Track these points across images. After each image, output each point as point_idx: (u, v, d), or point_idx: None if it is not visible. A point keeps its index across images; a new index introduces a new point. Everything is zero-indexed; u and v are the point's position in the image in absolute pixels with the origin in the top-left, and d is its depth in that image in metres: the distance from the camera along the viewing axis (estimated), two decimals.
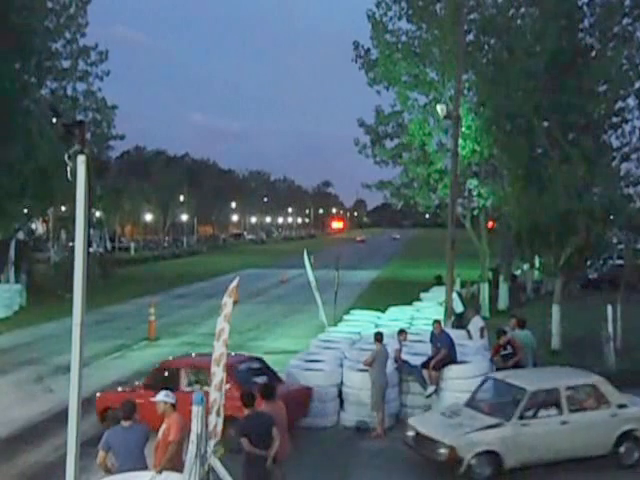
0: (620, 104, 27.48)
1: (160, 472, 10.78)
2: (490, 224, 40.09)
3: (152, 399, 12.09)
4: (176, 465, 10.73)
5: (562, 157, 25.75)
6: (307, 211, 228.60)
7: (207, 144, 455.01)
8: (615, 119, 27.78)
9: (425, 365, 18.66)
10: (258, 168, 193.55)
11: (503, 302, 39.09)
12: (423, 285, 41.25)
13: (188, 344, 28.81)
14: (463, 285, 42.03)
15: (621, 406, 15.27)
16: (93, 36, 41.28)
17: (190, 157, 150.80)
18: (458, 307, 28.33)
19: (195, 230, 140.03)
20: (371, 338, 19.02)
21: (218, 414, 10.96)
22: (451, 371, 18.45)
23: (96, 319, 33.70)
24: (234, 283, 11.36)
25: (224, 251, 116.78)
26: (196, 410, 10.06)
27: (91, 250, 62.45)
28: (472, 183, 35.20)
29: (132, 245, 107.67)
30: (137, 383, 18.53)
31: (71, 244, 49.73)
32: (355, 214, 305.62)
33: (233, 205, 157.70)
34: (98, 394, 18.14)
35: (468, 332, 23.63)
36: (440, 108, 28.96)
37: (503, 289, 39.71)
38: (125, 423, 11.17)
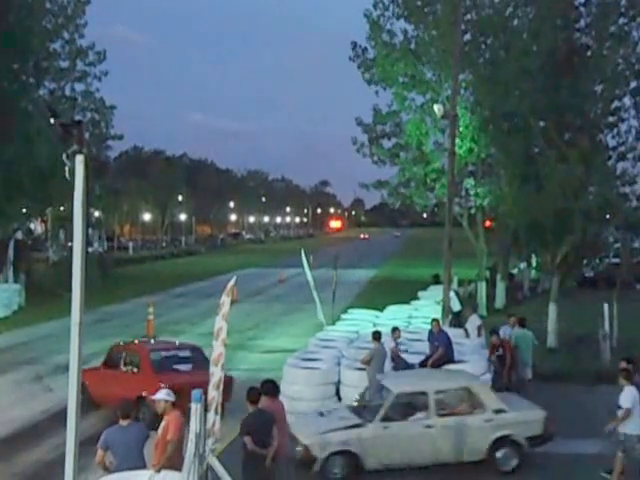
0: (616, 103, 27.67)
1: (159, 471, 10.82)
2: (487, 223, 40.18)
3: (152, 397, 12.18)
4: (175, 464, 10.71)
5: (558, 156, 25.84)
6: (305, 210, 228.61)
7: (205, 144, 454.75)
8: (611, 118, 27.95)
9: (423, 364, 18.74)
10: (256, 168, 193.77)
11: (500, 301, 39.18)
12: (421, 284, 41.29)
13: None
14: (460, 284, 42.12)
15: (498, 411, 14.82)
16: (92, 36, 41.42)
17: (188, 157, 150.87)
18: (455, 306, 28.40)
19: (193, 230, 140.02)
20: (369, 337, 19.10)
21: (216, 412, 10.98)
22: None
23: (95, 318, 33.73)
24: (232, 282, 11.39)
25: (222, 251, 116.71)
26: (194, 408, 10.08)
27: (90, 250, 62.49)
28: (469, 182, 35.27)
29: (130, 245, 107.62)
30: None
31: (70, 244, 49.77)
32: (353, 213, 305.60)
33: (231, 205, 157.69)
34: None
35: (465, 331, 23.71)
36: (437, 108, 29.03)
37: (500, 288, 39.80)
38: (123, 422, 11.23)
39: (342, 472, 14.11)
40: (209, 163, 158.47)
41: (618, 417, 13.65)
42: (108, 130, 43.51)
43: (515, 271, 48.38)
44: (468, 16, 30.99)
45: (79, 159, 8.24)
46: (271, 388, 12.60)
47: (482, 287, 38.11)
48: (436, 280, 37.20)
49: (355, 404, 16.60)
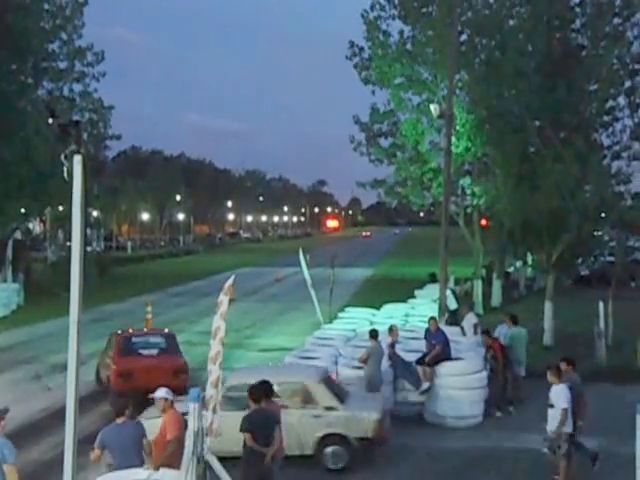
0: (611, 103, 27.74)
1: (157, 469, 10.91)
2: (483, 222, 40.29)
3: (151, 396, 12.31)
4: (175, 462, 10.72)
5: (554, 155, 25.96)
6: (303, 210, 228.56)
7: (203, 144, 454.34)
8: (606, 118, 28.04)
9: (420, 362, 18.85)
10: (254, 167, 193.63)
11: (496, 299, 39.29)
12: (417, 283, 41.34)
13: (184, 342, 28.93)
14: (457, 282, 42.20)
15: (328, 408, 14.91)
16: (91, 37, 41.73)
17: (186, 157, 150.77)
18: (452, 304, 28.46)
19: (192, 229, 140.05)
20: (366, 335, 19.23)
21: (214, 411, 11.04)
22: (445, 368, 18.54)
23: (93, 317, 33.76)
24: (230, 281, 11.43)
25: (220, 250, 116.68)
26: (192, 407, 10.14)
27: (88, 249, 62.54)
28: (465, 181, 35.36)
29: (129, 244, 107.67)
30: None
31: (68, 243, 49.83)
32: (350, 213, 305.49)
33: (229, 204, 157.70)
34: None
35: (462, 329, 23.81)
36: (434, 107, 29.14)
37: (496, 286, 39.91)
38: (119, 420, 11.28)
39: None
40: (207, 163, 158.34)
41: (560, 419, 13.64)
42: (106, 130, 43.55)
43: (511, 269, 48.39)
44: (463, 18, 31.00)
45: (77, 159, 8.29)
46: (266, 389, 12.67)
47: (478, 285, 38.21)
48: (433, 279, 37.24)
49: None
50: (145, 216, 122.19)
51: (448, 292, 28.31)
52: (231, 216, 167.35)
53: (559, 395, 13.78)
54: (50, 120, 8.74)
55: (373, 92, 35.77)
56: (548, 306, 27.58)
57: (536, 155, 27.08)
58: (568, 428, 13.76)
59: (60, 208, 60.37)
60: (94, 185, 53.85)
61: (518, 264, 48.07)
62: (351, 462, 14.75)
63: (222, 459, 10.58)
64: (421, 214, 74.06)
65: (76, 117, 38.49)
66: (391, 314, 27.70)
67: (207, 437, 10.59)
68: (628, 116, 27.62)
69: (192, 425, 10.07)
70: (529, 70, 26.70)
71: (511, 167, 27.93)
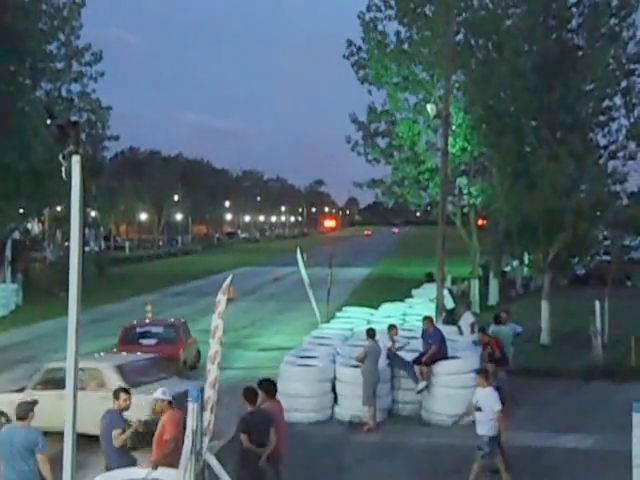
0: (607, 103, 27.82)
1: (156, 468, 11.01)
2: (480, 221, 40.38)
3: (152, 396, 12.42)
4: (173, 461, 10.83)
5: (550, 155, 26.03)
6: (300, 210, 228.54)
7: (201, 144, 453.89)
8: (602, 117, 28.12)
9: (417, 361, 18.95)
10: (251, 167, 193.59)
11: (493, 298, 39.38)
12: (414, 282, 41.40)
13: None
14: (454, 282, 42.34)
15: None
16: (89, 38, 41.37)
17: (184, 157, 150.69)
18: (449, 303, 28.56)
19: (190, 229, 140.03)
20: (363, 334, 19.27)
21: (212, 411, 11.09)
22: (442, 367, 18.62)
23: (92, 318, 33.86)
24: (228, 281, 11.50)
25: (218, 250, 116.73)
26: (191, 407, 10.20)
27: (87, 249, 62.64)
28: (462, 181, 35.41)
29: (127, 244, 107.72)
30: None
31: (66, 244, 49.93)
32: (347, 213, 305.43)
33: (227, 204, 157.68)
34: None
35: (459, 328, 23.89)
36: (430, 107, 29.24)
37: (493, 285, 40.01)
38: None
39: None
40: (205, 163, 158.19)
41: (499, 421, 13.63)
42: (104, 131, 43.64)
43: (508, 269, 48.54)
44: (459, 18, 31.08)
45: (75, 159, 8.32)
46: (269, 388, 12.70)
47: (475, 285, 38.28)
48: (430, 278, 37.34)
49: None
50: (143, 216, 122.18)
51: (445, 291, 28.43)
52: (229, 216, 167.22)
53: (490, 398, 13.71)
54: (48, 121, 8.78)
55: (370, 92, 35.85)
56: (545, 305, 27.69)
57: (532, 155, 27.14)
58: (491, 431, 13.67)
59: (58, 208, 60.53)
60: (92, 185, 53.80)
61: (515, 263, 48.21)
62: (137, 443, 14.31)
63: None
64: (418, 214, 74.02)
65: (74, 118, 38.57)
66: (389, 313, 27.78)
67: (205, 436, 10.66)
68: (624, 116, 27.69)
69: (191, 425, 10.13)
70: (526, 70, 26.79)
71: (507, 167, 27.97)
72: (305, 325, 30.12)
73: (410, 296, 35.01)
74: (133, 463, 11.62)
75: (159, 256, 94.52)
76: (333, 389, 18.95)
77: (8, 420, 15.47)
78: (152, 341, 23.23)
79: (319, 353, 20.15)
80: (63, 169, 8.33)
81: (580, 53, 27.64)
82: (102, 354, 21.10)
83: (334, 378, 18.96)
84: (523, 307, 33.77)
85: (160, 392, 12.05)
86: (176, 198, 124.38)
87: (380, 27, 34.47)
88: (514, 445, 16.23)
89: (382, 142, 36.88)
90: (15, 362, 26.33)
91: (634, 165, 27.73)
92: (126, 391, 12.24)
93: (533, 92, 26.45)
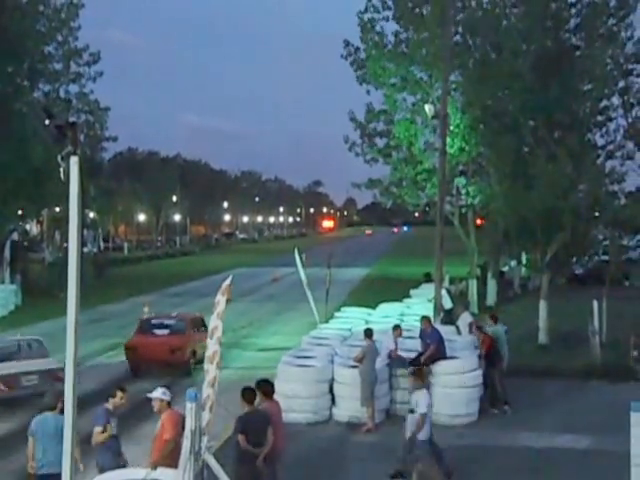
0: (605, 102, 27.87)
1: (155, 468, 11.00)
2: (478, 221, 40.40)
3: (149, 395, 12.42)
4: (172, 461, 10.79)
5: (548, 155, 26.08)
6: (298, 210, 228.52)
7: (199, 145, 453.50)
8: (600, 117, 28.16)
9: (415, 361, 18.92)
10: (250, 168, 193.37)
11: (491, 298, 39.37)
12: (413, 282, 41.41)
13: None
14: (452, 282, 42.33)
15: None
16: (87, 39, 41.53)
17: (182, 158, 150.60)
18: (447, 303, 28.59)
19: (188, 230, 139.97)
20: (361, 335, 19.27)
21: (211, 411, 11.08)
22: (440, 366, 18.65)
23: (90, 318, 33.81)
24: (227, 282, 11.45)
25: (217, 250, 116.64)
26: (190, 407, 10.19)
27: (85, 250, 62.63)
28: (460, 181, 35.44)
29: (125, 245, 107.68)
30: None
31: (65, 245, 49.91)
32: (345, 213, 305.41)
33: (225, 205, 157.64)
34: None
35: (457, 328, 23.92)
36: (428, 108, 29.23)
37: (491, 285, 40.00)
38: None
39: None
40: (203, 164, 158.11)
41: (418, 424, 13.50)
42: (103, 132, 43.68)
43: (506, 269, 48.53)
44: (457, 18, 31.10)
45: (74, 160, 8.31)
46: (266, 388, 12.71)
47: (473, 285, 38.30)
48: (428, 278, 37.38)
49: None
50: (142, 217, 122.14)
51: (443, 291, 28.45)
52: (227, 217, 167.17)
53: (420, 400, 13.65)
54: (46, 122, 8.76)
55: (368, 92, 35.87)
56: (543, 305, 27.71)
57: (530, 155, 27.18)
58: (424, 435, 13.58)
59: (57, 209, 60.46)
60: (91, 186, 53.76)
61: (513, 263, 48.20)
62: None
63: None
64: (416, 214, 73.90)
65: (72, 118, 38.59)
66: (387, 313, 27.79)
67: (204, 436, 10.67)
68: (622, 116, 27.77)
69: (189, 425, 10.14)
70: (524, 70, 26.81)
71: (505, 167, 28.00)
72: (303, 325, 30.12)
73: (408, 296, 35.02)
74: (119, 459, 11.86)
75: (157, 257, 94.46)
76: (331, 390, 18.97)
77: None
78: (165, 332, 25.34)
79: (317, 353, 20.14)
80: (61, 170, 8.29)
81: (578, 53, 27.68)
82: None
83: (332, 379, 18.94)
84: (521, 307, 33.84)
85: (160, 392, 12.04)
86: (174, 199, 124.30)
87: (378, 28, 34.53)
88: (513, 445, 16.31)
89: (380, 142, 36.96)
90: None
91: (632, 165, 27.79)
92: (122, 389, 12.28)
93: (531, 92, 26.48)
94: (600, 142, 28.35)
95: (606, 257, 36.67)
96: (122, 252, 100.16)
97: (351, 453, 16.35)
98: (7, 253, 42.96)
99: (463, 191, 35.49)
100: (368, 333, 18.56)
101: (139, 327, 26.01)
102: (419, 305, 30.04)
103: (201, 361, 24.18)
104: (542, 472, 14.94)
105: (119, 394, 12.07)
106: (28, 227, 67.39)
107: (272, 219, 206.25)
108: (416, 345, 19.73)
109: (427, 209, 38.43)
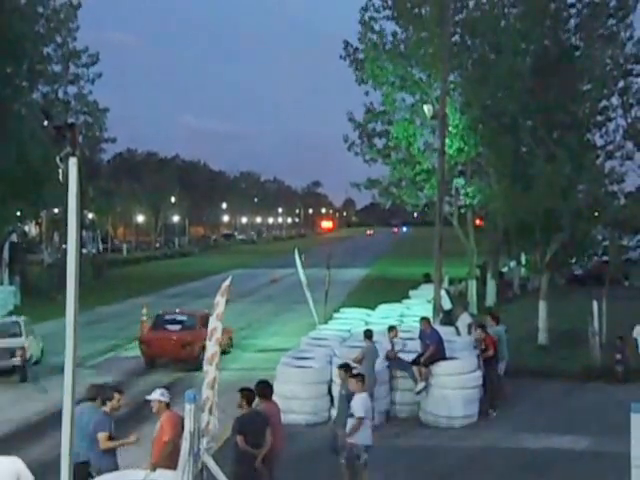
0: (604, 103, 27.85)
1: (154, 470, 10.97)
2: (477, 222, 40.39)
3: (147, 397, 12.38)
4: (171, 463, 10.73)
5: (547, 155, 26.07)
6: (297, 211, 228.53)
7: (197, 145, 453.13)
8: (599, 118, 28.14)
9: (415, 361, 18.93)
10: (248, 169, 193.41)
11: (491, 299, 39.32)
12: (412, 283, 41.42)
13: None
14: (451, 282, 42.32)
15: None
16: (86, 40, 41.69)
17: (181, 158, 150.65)
18: (446, 304, 28.56)
19: (187, 231, 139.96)
20: (361, 336, 19.24)
21: (210, 412, 11.06)
22: (440, 367, 18.59)
23: (89, 319, 33.81)
24: (226, 282, 11.44)
25: (215, 251, 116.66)
26: (189, 408, 10.18)
27: (84, 251, 62.63)
28: (459, 182, 35.43)
29: (124, 246, 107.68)
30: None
31: (64, 246, 49.90)
32: (344, 214, 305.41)
33: (224, 206, 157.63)
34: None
35: (456, 329, 23.91)
36: (427, 108, 29.25)
37: (490, 286, 39.97)
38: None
39: None
40: (202, 165, 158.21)
41: (354, 426, 13.29)
42: (101, 133, 43.68)
43: (505, 269, 48.54)
44: (456, 18, 31.10)
45: (72, 161, 8.29)
46: (265, 389, 12.68)
47: (472, 285, 38.29)
48: (427, 279, 37.38)
49: None
50: (140, 218, 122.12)
51: (442, 292, 28.42)
52: (226, 218, 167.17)
53: (358, 404, 13.43)
54: (45, 123, 8.75)
55: (367, 93, 35.90)
56: (542, 306, 27.70)
57: (529, 155, 27.17)
58: (367, 440, 13.44)
59: (56, 211, 60.48)
60: (89, 187, 53.79)
61: (512, 264, 48.20)
62: None
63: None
64: (415, 214, 73.88)
65: (71, 120, 38.61)
66: (386, 314, 27.77)
67: (203, 438, 10.64)
68: (621, 116, 27.79)
69: (188, 426, 10.11)
70: (523, 70, 26.79)
71: (504, 167, 27.98)
72: (303, 326, 30.09)
73: (408, 297, 35.02)
74: (115, 461, 11.76)
75: (156, 258, 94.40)
76: (330, 391, 18.91)
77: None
78: (177, 327, 26.30)
79: (316, 354, 20.10)
80: (60, 171, 8.26)
81: (577, 53, 27.67)
82: None
83: (331, 380, 18.88)
84: (521, 307, 33.82)
85: (158, 393, 11.99)
86: (173, 200, 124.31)
87: (377, 27, 34.52)
88: (512, 447, 16.29)
89: (379, 142, 36.96)
90: None
91: (631, 165, 27.80)
92: (120, 391, 12.25)
93: (530, 92, 26.48)
94: (599, 142, 28.40)
95: (606, 257, 36.77)
96: (121, 253, 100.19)
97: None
98: (6, 254, 42.98)
99: (462, 191, 35.48)
100: (368, 334, 18.51)
101: (154, 322, 27.29)
102: (418, 306, 30.05)
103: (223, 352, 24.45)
104: (541, 473, 14.92)
105: (116, 396, 12.01)
106: (27, 228, 67.43)
107: (271, 220, 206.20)
108: (416, 346, 19.71)
109: (426, 209, 38.39)
